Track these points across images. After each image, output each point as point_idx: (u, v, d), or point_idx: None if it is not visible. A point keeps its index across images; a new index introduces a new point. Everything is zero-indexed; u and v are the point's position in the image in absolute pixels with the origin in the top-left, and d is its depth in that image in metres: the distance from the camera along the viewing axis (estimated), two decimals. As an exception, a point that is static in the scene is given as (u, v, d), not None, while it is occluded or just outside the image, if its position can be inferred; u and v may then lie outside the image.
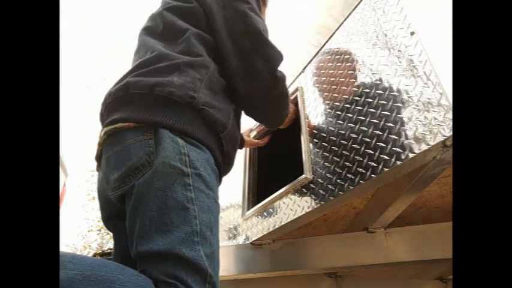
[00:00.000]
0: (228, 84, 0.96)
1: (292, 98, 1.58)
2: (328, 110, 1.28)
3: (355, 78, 1.18)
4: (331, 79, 1.33)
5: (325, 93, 1.34)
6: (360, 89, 1.13)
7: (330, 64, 1.38)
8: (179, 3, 1.01)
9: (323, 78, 1.40)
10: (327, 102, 1.31)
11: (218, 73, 0.94)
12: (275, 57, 0.99)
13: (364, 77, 1.13)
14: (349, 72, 1.22)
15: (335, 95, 1.27)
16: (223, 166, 0.92)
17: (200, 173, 0.79)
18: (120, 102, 0.85)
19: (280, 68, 1.01)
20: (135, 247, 0.73)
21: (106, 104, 0.88)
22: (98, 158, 0.90)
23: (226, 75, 0.96)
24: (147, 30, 1.01)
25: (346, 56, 1.28)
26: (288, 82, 1.66)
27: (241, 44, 0.95)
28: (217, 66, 0.94)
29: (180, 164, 0.76)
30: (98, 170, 0.92)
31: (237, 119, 1.04)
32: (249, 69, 0.95)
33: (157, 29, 0.99)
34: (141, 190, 0.75)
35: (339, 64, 1.31)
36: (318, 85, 1.42)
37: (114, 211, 0.87)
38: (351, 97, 1.17)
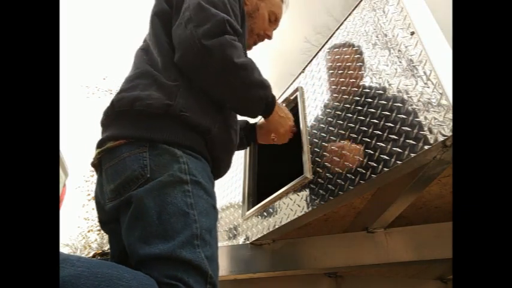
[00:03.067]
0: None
1: (292, 98, 1.59)
2: (328, 110, 1.28)
3: (356, 78, 1.18)
4: (332, 79, 1.33)
5: (325, 93, 1.34)
6: (360, 89, 1.13)
7: (330, 64, 1.38)
8: (163, 6, 1.00)
9: (323, 78, 1.40)
10: (326, 102, 1.31)
11: None
12: (208, 21, 0.87)
13: (364, 77, 1.13)
14: (349, 72, 1.22)
15: (335, 95, 1.27)
16: (213, 170, 0.94)
17: (198, 180, 0.82)
18: (109, 120, 0.90)
19: (219, 34, 0.88)
20: (135, 252, 0.74)
21: (101, 121, 0.92)
22: (95, 165, 0.93)
23: None
24: (142, 45, 1.03)
25: (346, 56, 1.28)
26: (288, 82, 1.67)
27: (181, 18, 0.91)
28: None
29: (179, 173, 0.79)
30: (96, 173, 0.95)
31: (229, 122, 1.00)
32: (180, 38, 0.89)
33: (148, 43, 1.01)
34: (141, 199, 0.77)
35: (339, 64, 1.31)
36: (318, 84, 1.42)
37: (110, 217, 0.88)
38: (350, 97, 1.17)
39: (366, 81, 1.11)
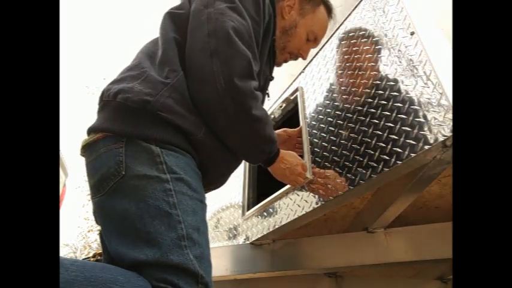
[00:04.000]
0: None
1: (292, 98, 1.59)
2: (328, 110, 1.28)
3: (357, 77, 1.17)
4: (331, 80, 1.33)
5: (325, 93, 1.34)
6: (360, 89, 1.13)
7: (329, 65, 1.38)
8: (176, 10, 0.98)
9: (323, 78, 1.40)
10: (327, 102, 1.31)
11: None
12: (237, 61, 0.83)
13: (374, 78, 1.13)
14: (349, 72, 1.22)
15: (335, 95, 1.27)
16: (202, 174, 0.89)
17: (181, 177, 0.78)
18: (98, 111, 0.88)
19: (245, 78, 0.84)
20: (120, 256, 0.73)
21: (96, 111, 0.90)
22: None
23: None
24: (154, 38, 1.00)
25: (346, 56, 1.28)
26: (288, 82, 1.67)
27: (205, 43, 0.85)
28: None
29: (157, 173, 0.76)
30: None
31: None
32: (202, 69, 0.84)
33: (155, 38, 0.98)
34: (119, 201, 0.74)
35: (340, 64, 1.31)
36: (318, 84, 1.42)
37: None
38: (350, 97, 1.16)
39: (366, 82, 1.11)
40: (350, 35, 1.30)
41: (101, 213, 0.80)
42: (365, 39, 1.19)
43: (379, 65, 1.07)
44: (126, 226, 0.73)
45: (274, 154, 1.02)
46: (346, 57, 1.28)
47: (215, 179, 0.98)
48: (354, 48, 1.24)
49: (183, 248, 0.72)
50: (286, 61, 1.19)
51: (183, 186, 0.78)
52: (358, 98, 1.12)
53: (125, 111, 0.81)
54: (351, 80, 1.19)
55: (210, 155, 0.89)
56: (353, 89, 1.16)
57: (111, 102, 0.83)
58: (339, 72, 1.29)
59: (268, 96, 1.18)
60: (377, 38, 1.13)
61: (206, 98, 0.84)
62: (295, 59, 1.19)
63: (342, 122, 1.17)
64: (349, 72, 1.23)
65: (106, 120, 0.83)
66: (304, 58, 1.19)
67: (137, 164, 0.76)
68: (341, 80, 1.26)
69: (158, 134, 0.80)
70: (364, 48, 1.18)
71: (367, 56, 1.15)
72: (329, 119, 1.25)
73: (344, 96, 1.20)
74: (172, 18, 0.96)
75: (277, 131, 1.30)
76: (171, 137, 0.81)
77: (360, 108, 1.09)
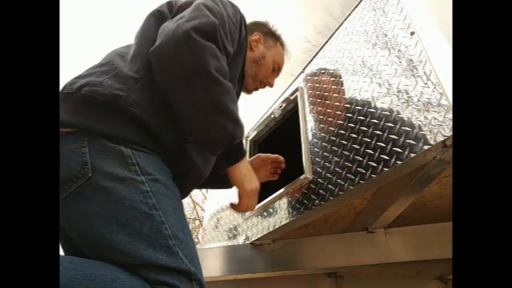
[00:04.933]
0: None
1: (292, 98, 1.59)
2: (328, 110, 1.28)
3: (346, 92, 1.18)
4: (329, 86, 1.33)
5: (325, 93, 1.34)
6: (360, 89, 1.13)
7: (329, 65, 1.38)
8: (161, 8, 0.97)
9: (324, 78, 1.40)
10: (327, 102, 1.31)
11: None
12: (202, 19, 0.81)
13: (364, 77, 1.13)
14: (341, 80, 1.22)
15: (335, 94, 1.27)
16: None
17: (156, 177, 0.75)
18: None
19: (207, 38, 0.80)
20: (104, 258, 0.69)
21: None
22: None
23: None
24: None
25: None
26: (288, 82, 1.67)
27: (174, 18, 0.86)
28: None
29: (130, 174, 0.72)
30: None
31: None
32: (162, 30, 0.83)
33: (130, 44, 0.96)
34: (86, 204, 0.70)
35: (332, 79, 1.31)
36: (317, 85, 1.42)
37: None
38: (350, 97, 1.16)
39: (366, 82, 1.11)
40: (350, 35, 1.30)
41: (65, 217, 0.73)
42: (365, 40, 1.19)
43: (379, 65, 1.07)
44: (98, 230, 0.69)
45: (240, 145, 0.88)
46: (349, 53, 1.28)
47: (180, 188, 0.88)
48: (354, 49, 1.24)
49: (171, 247, 0.70)
50: (256, 89, 1.27)
51: (160, 187, 0.75)
52: (358, 98, 1.12)
53: (90, 105, 0.75)
54: (353, 82, 1.19)
55: (177, 161, 0.85)
56: (353, 90, 1.17)
57: (74, 94, 0.76)
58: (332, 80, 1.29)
59: None
60: (377, 38, 1.13)
61: (164, 52, 0.79)
62: (264, 87, 1.28)
63: (342, 122, 1.17)
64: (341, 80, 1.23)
65: (65, 113, 0.75)
66: (271, 86, 1.28)
67: (106, 165, 0.72)
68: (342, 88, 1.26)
69: (126, 133, 0.75)
70: (365, 48, 1.18)
71: (367, 56, 1.15)
72: (329, 118, 1.25)
73: (344, 97, 1.20)
74: (154, 18, 0.96)
75: (252, 157, 1.28)
76: (139, 138, 0.77)
77: (359, 108, 1.09)
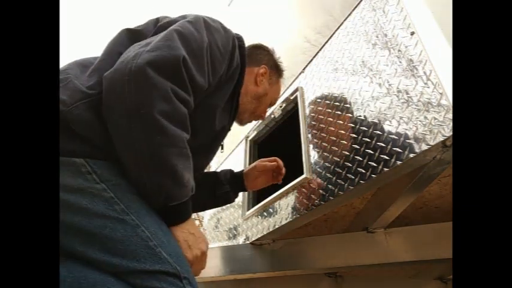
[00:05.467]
0: None
1: (292, 98, 1.59)
2: (328, 110, 1.28)
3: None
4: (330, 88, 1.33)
5: (325, 94, 1.34)
6: (360, 89, 1.13)
7: (329, 65, 1.39)
8: (136, 28, 0.91)
9: (323, 78, 1.40)
10: (327, 102, 1.31)
11: None
12: (162, 52, 0.73)
13: (364, 77, 1.13)
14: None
15: (335, 95, 1.27)
16: None
17: (118, 182, 0.71)
18: None
19: (165, 76, 0.71)
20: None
21: None
22: None
23: None
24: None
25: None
26: (288, 82, 1.67)
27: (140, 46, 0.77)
28: None
29: (87, 183, 0.68)
30: None
31: None
32: (123, 55, 0.76)
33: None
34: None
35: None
36: (318, 84, 1.42)
37: None
38: (350, 97, 1.17)
39: (366, 82, 1.11)
40: (350, 35, 1.30)
41: None
42: (365, 40, 1.19)
43: (379, 65, 1.07)
44: (69, 243, 0.66)
45: (180, 210, 0.77)
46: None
47: None
48: (354, 49, 1.24)
49: (153, 248, 0.67)
50: (249, 121, 1.21)
51: (125, 191, 0.71)
52: (358, 98, 1.12)
53: None
54: (352, 82, 1.19)
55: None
56: (353, 90, 1.17)
57: None
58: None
59: (222, 149, 1.11)
60: (377, 38, 1.13)
61: (112, 82, 0.71)
62: (256, 119, 1.22)
63: (342, 122, 1.17)
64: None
65: None
66: (263, 119, 1.25)
67: (64, 180, 0.67)
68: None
69: (71, 147, 0.70)
70: (365, 48, 1.18)
71: (367, 56, 1.15)
72: (329, 119, 1.25)
73: (344, 97, 1.20)
74: (129, 34, 0.89)
75: (249, 166, 1.24)
76: (88, 150, 0.71)
77: (359, 108, 1.10)
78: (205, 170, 1.16)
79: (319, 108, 1.35)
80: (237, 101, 1.03)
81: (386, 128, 0.95)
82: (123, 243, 0.66)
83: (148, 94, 0.69)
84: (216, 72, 0.86)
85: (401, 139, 0.89)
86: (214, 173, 1.21)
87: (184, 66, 0.74)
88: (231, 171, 1.22)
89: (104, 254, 0.65)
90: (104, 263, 0.65)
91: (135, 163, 0.71)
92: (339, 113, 1.20)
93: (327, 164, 1.17)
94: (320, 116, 1.32)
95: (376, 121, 1.00)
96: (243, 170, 1.24)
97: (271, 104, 1.22)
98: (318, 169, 1.21)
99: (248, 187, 1.22)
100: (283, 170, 1.22)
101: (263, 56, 1.17)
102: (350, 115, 1.13)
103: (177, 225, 0.76)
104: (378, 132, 0.98)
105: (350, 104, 1.15)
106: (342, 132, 1.15)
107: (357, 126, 1.08)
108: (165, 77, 0.71)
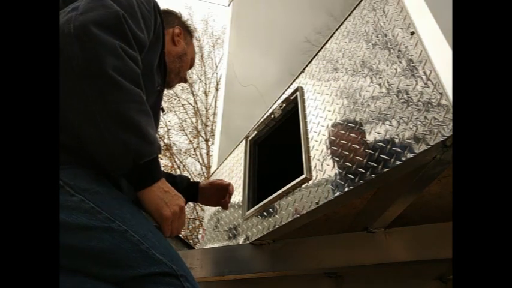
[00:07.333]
0: None
1: (292, 98, 1.59)
2: (328, 110, 1.28)
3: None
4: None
5: (325, 93, 1.34)
6: (360, 89, 1.13)
7: (329, 65, 1.39)
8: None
9: (323, 78, 1.40)
10: (326, 101, 1.31)
11: None
12: (99, 10, 0.68)
13: (364, 76, 1.13)
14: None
15: (335, 96, 1.27)
16: None
17: (95, 190, 0.68)
18: None
19: (108, 31, 0.67)
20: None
21: None
22: None
23: None
24: None
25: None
26: (288, 82, 1.67)
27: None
28: None
29: (61, 197, 0.64)
30: None
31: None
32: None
33: None
34: None
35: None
36: (318, 84, 1.42)
37: None
38: (350, 97, 1.17)
39: (366, 82, 1.11)
40: (350, 35, 1.30)
41: None
42: (365, 40, 1.19)
43: (379, 65, 1.07)
44: (63, 259, 0.63)
45: (152, 168, 0.72)
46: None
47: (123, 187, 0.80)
48: (354, 49, 1.24)
49: (145, 250, 0.66)
50: (176, 84, 1.19)
51: (104, 198, 0.68)
52: (358, 98, 1.12)
53: None
54: (352, 82, 1.19)
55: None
56: (352, 90, 1.16)
57: None
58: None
59: (163, 111, 1.04)
60: (377, 38, 1.13)
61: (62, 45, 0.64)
62: (183, 82, 1.20)
63: (342, 122, 1.17)
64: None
65: None
66: (187, 82, 1.23)
67: None
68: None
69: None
70: (365, 48, 1.18)
71: (367, 56, 1.15)
72: (329, 118, 1.25)
73: (344, 97, 1.20)
74: None
75: (205, 181, 1.19)
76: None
77: (359, 107, 1.10)
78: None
79: (319, 108, 1.35)
80: (164, 61, 0.99)
81: (387, 128, 0.95)
82: (113, 253, 0.64)
83: (97, 51, 0.64)
84: (149, 29, 0.83)
85: (401, 139, 0.89)
86: (173, 176, 1.15)
87: (126, 23, 0.71)
88: (188, 179, 1.17)
89: (97, 267, 0.64)
90: (102, 276, 0.65)
91: (96, 126, 0.64)
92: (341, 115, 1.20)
93: (327, 164, 1.17)
94: (320, 116, 1.32)
95: (376, 121, 1.00)
96: (199, 182, 1.19)
97: (191, 65, 1.21)
98: (318, 169, 1.21)
99: (200, 201, 1.17)
100: (232, 193, 1.16)
101: (173, 19, 1.17)
102: (350, 116, 1.13)
103: (151, 185, 0.72)
104: (378, 132, 0.98)
105: (350, 105, 1.15)
106: (342, 132, 1.15)
107: (357, 126, 1.08)
108: (109, 35, 0.67)
